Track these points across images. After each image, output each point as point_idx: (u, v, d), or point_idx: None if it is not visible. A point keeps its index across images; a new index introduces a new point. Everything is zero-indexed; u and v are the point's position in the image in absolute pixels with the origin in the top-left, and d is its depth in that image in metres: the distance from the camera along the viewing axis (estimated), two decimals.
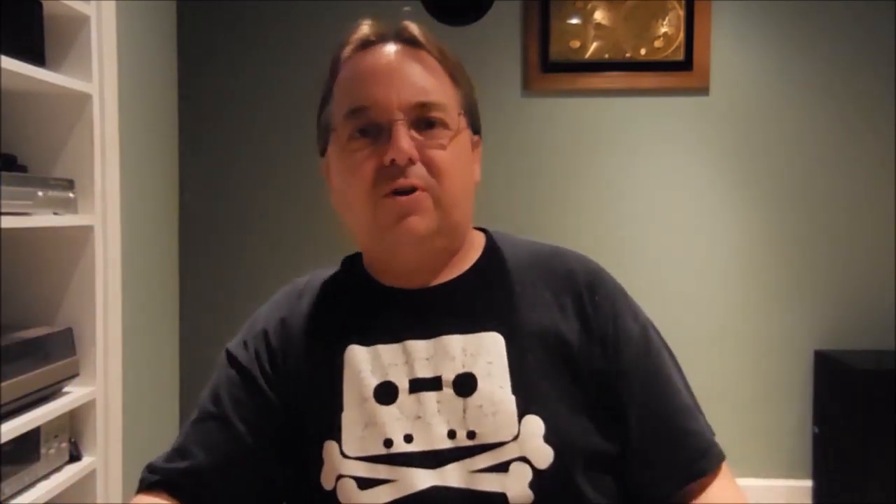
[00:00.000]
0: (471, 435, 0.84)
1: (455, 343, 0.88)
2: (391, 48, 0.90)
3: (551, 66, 2.97)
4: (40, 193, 1.64)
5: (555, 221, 2.97)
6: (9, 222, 1.54)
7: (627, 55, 2.98)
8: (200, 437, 0.91)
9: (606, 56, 2.98)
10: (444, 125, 0.89)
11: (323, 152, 0.96)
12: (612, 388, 0.88)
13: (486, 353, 0.87)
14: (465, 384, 0.86)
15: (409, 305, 0.92)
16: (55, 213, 1.70)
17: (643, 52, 2.97)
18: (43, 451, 1.67)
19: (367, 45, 0.91)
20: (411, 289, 0.93)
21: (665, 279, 2.94)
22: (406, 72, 0.89)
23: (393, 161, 0.85)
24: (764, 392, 2.96)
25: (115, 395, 1.90)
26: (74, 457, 1.79)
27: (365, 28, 0.92)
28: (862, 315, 2.93)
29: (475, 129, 0.96)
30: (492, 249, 0.97)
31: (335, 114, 0.91)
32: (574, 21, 2.98)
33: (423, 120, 0.88)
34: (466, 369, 0.86)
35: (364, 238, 0.93)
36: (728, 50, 2.96)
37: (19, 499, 1.58)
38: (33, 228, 1.70)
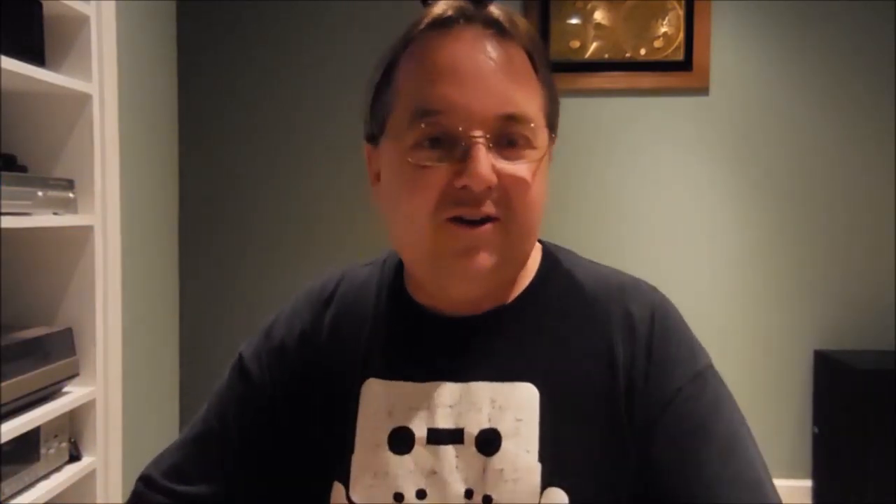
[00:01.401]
0: (487, 500, 0.75)
1: (484, 392, 0.77)
2: (475, 35, 0.74)
3: (551, 66, 2.97)
4: (40, 193, 1.64)
5: (554, 221, 2.97)
6: (9, 222, 1.54)
7: (627, 55, 2.98)
8: (202, 460, 0.86)
9: (606, 56, 2.98)
10: (530, 145, 0.75)
11: (371, 138, 0.82)
12: (650, 449, 0.75)
13: (516, 408, 0.76)
14: (489, 441, 0.76)
15: (442, 337, 0.81)
16: (55, 213, 1.70)
17: (643, 52, 2.97)
18: (43, 451, 1.67)
19: (447, 23, 0.75)
20: (450, 315, 0.81)
21: (664, 279, 2.92)
22: (492, 72, 0.74)
23: (465, 186, 0.72)
24: (764, 392, 2.96)
25: (115, 395, 1.90)
26: (74, 457, 1.79)
27: (444, 4, 0.76)
28: (862, 315, 2.93)
29: (554, 130, 0.82)
30: (546, 273, 0.84)
31: (399, 105, 0.76)
32: (574, 21, 2.99)
33: (507, 137, 0.74)
34: (492, 425, 0.76)
35: (415, 261, 0.80)
36: (728, 50, 2.96)
37: (19, 499, 1.58)
38: (33, 228, 1.70)
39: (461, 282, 0.76)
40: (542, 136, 0.77)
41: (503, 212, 0.74)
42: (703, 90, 2.96)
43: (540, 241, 0.88)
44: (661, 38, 2.96)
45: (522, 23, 0.78)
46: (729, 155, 2.98)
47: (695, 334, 0.83)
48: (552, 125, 0.80)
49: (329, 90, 2.98)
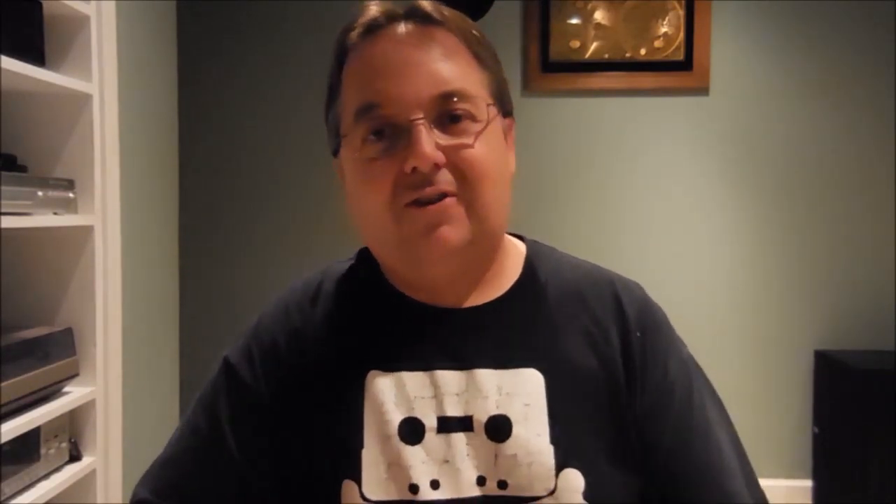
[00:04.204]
0: (502, 485, 0.76)
1: (489, 379, 0.78)
2: (402, 29, 0.78)
3: (551, 66, 2.97)
4: (40, 193, 1.63)
5: (554, 221, 2.97)
6: (9, 222, 1.54)
7: (627, 55, 2.98)
8: (200, 474, 0.83)
9: (606, 56, 2.98)
10: (472, 118, 0.77)
11: (335, 152, 0.85)
12: (645, 434, 0.79)
13: (523, 394, 0.78)
14: (499, 428, 0.77)
15: (440, 327, 0.81)
16: (55, 213, 1.70)
17: (643, 52, 2.97)
18: (43, 451, 1.67)
19: (375, 28, 0.79)
20: (442, 307, 0.82)
21: (665, 279, 2.94)
22: (422, 58, 0.76)
23: (415, 169, 0.74)
24: (764, 392, 2.96)
25: (115, 395, 1.90)
26: (74, 457, 1.79)
27: (372, 9, 0.80)
28: (862, 315, 2.93)
29: (506, 112, 0.84)
30: (533, 266, 0.86)
31: (345, 111, 0.80)
32: (574, 21, 2.98)
33: (447, 114, 0.76)
34: (501, 411, 0.77)
35: (386, 253, 0.82)
36: (728, 50, 2.96)
37: (19, 499, 1.58)
38: (33, 228, 1.70)
39: (431, 260, 0.77)
40: (483, 109, 0.78)
41: (459, 186, 0.76)
42: (703, 90, 2.96)
43: (522, 238, 0.90)
44: (661, 38, 2.96)
45: (451, 11, 0.80)
46: (729, 155, 2.98)
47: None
48: (501, 103, 0.82)
49: None
